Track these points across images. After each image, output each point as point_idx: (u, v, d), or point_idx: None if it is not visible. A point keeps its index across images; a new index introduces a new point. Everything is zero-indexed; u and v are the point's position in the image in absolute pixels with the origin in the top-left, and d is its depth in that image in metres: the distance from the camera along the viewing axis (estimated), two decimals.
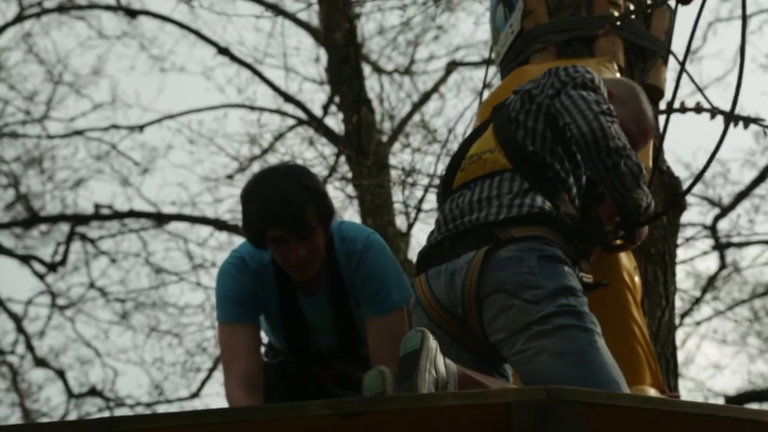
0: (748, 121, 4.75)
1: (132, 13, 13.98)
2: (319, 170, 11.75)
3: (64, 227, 13.41)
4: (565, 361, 3.26)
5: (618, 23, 4.78)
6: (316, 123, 12.69)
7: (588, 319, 3.35)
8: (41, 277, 13.51)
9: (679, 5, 3.66)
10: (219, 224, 13.09)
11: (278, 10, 13.03)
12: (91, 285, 13.58)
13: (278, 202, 3.62)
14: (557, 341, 3.29)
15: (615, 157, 3.44)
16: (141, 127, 13.77)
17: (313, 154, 12.64)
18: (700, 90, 4.81)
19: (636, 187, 3.53)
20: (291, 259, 3.70)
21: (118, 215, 13.34)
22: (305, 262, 3.71)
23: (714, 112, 4.84)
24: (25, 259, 13.43)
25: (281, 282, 3.86)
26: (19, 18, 13.79)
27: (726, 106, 4.84)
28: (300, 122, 13.02)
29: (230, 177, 12.81)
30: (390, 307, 3.79)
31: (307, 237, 3.66)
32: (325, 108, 12.77)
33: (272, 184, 3.66)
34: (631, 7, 4.85)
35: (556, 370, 3.25)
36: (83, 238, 13.47)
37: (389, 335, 3.70)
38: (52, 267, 13.43)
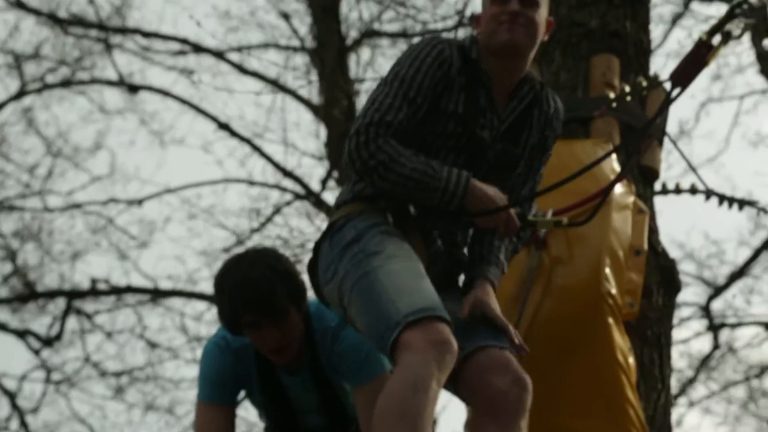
0: (742, 203, 4.78)
1: (133, 88, 14.08)
2: None
3: (61, 301, 13.38)
4: (365, 318, 3.21)
5: (614, 105, 4.81)
6: (314, 198, 12.73)
7: (367, 261, 3.25)
8: (36, 352, 13.46)
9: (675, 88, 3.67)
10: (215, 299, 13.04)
11: (279, 86, 13.12)
12: (86, 360, 13.53)
13: (248, 287, 3.62)
14: (357, 303, 3.25)
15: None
16: (139, 201, 13.80)
17: (312, 229, 12.65)
18: (694, 170, 4.84)
19: (397, 184, 3.33)
20: (266, 342, 3.70)
21: (114, 290, 13.31)
22: (282, 345, 3.70)
23: (708, 193, 4.87)
24: (21, 334, 13.37)
25: (261, 361, 3.85)
26: (21, 93, 13.88)
27: (719, 186, 4.88)
28: (298, 197, 13.06)
29: (227, 251, 12.80)
30: (374, 372, 3.73)
31: (281, 320, 3.66)
32: (324, 183, 12.81)
33: (240, 270, 3.67)
34: (627, 90, 4.89)
35: (365, 329, 3.23)
36: (79, 312, 13.43)
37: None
38: (48, 342, 13.37)
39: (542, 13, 3.47)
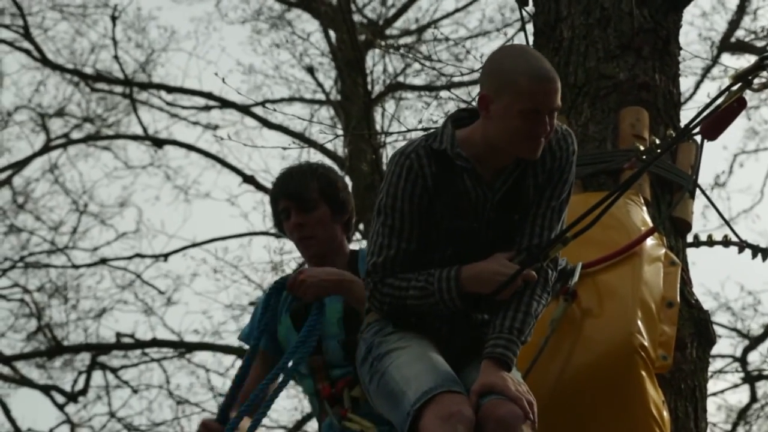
0: None
1: (158, 143, 14.14)
2: None
3: (86, 357, 13.37)
4: (392, 414, 3.50)
5: (644, 157, 4.79)
6: None
7: (380, 364, 3.55)
8: (61, 407, 13.42)
9: (705, 140, 3.66)
10: (241, 353, 13.02)
11: (304, 139, 13.16)
12: (112, 415, 13.48)
13: (284, 177, 4.19)
14: (382, 404, 3.56)
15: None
16: (165, 256, 13.83)
17: None
18: (727, 223, 4.81)
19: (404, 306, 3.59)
20: (291, 230, 4.16)
21: (139, 344, 13.30)
22: (304, 234, 4.13)
23: (742, 245, 4.84)
24: (46, 390, 13.34)
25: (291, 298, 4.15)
26: (46, 149, 13.96)
27: (754, 239, 4.85)
28: None
29: (253, 305, 12.79)
30: None
31: (306, 209, 4.12)
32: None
33: (289, 170, 4.22)
34: (657, 141, 4.87)
35: (396, 423, 3.48)
36: (104, 367, 13.41)
37: None
38: (73, 397, 13.34)
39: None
